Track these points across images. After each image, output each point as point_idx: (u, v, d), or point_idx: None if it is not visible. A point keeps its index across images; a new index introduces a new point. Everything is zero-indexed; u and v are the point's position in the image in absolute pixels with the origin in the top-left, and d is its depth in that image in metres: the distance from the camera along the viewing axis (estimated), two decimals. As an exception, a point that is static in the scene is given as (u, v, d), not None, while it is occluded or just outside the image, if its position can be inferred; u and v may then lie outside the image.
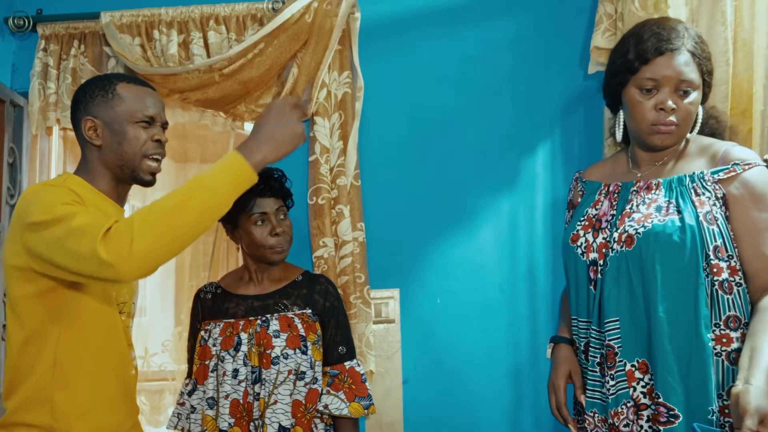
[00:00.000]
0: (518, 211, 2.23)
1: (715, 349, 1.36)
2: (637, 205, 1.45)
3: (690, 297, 1.35)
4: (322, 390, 1.84)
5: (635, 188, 1.50)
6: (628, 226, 1.42)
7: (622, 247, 1.42)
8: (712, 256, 1.36)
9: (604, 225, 1.49)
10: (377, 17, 2.26)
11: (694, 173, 1.43)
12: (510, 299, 2.21)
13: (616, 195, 1.53)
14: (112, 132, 1.49)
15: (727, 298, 1.36)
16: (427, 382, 2.19)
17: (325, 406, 1.82)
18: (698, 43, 1.48)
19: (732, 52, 1.90)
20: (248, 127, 2.38)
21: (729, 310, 1.37)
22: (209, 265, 2.36)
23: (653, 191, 1.46)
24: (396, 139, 2.26)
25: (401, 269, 2.23)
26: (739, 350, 1.33)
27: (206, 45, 2.20)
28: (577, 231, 1.53)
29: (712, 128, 1.57)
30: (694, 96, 1.46)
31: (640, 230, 1.40)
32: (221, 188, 1.26)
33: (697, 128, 1.50)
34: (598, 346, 1.48)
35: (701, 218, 1.37)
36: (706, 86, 1.50)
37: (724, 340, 1.36)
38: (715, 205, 1.39)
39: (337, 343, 1.88)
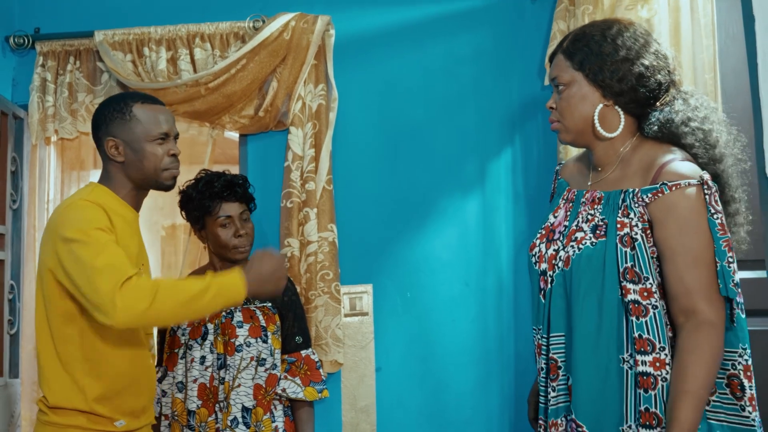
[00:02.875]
0: (482, 211, 2.41)
1: (627, 371, 1.36)
2: (582, 222, 1.45)
3: (605, 318, 1.37)
4: (280, 375, 2.03)
5: (584, 199, 1.49)
6: (570, 247, 1.43)
7: (563, 266, 1.44)
8: (621, 279, 1.36)
9: (556, 236, 1.49)
10: (350, 34, 2.45)
11: (628, 190, 1.40)
12: (475, 292, 2.39)
13: (570, 204, 1.53)
14: (133, 150, 1.68)
15: (638, 321, 1.35)
16: (398, 369, 2.38)
17: (283, 390, 2.03)
18: (574, 41, 1.46)
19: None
20: (228, 134, 2.56)
21: (636, 333, 1.35)
22: (181, 263, 2.58)
23: (596, 206, 1.45)
24: (368, 145, 2.44)
25: (374, 266, 2.41)
26: (646, 374, 1.33)
27: (193, 61, 2.39)
28: (535, 240, 1.55)
29: (668, 135, 1.44)
30: (567, 90, 1.46)
31: (575, 252, 1.41)
32: (221, 301, 1.56)
33: (598, 127, 1.44)
34: (544, 353, 1.49)
35: (617, 241, 1.37)
36: (596, 82, 1.43)
37: (632, 362, 1.36)
38: (636, 226, 1.37)
39: (294, 333, 2.09)
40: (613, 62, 1.41)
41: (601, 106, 1.44)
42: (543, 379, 1.48)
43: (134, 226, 1.74)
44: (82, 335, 1.61)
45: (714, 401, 1.34)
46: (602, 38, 1.43)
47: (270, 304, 2.07)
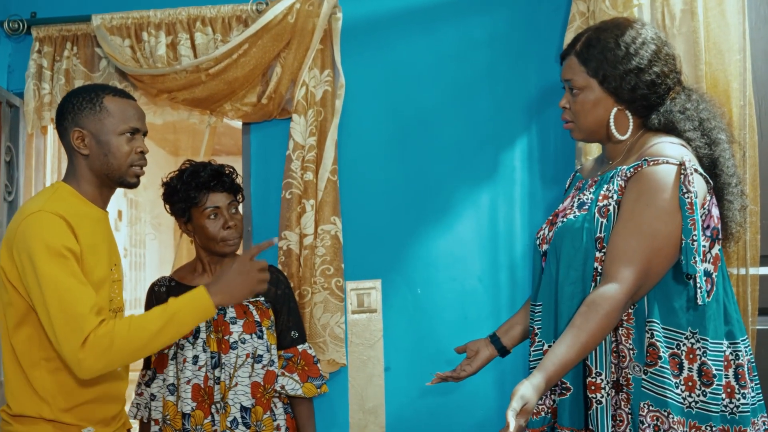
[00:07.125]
0: (496, 204, 2.30)
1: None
2: (577, 202, 1.54)
3: (585, 284, 1.44)
4: (278, 372, 1.95)
5: (587, 185, 1.56)
6: (560, 221, 1.53)
7: (550, 239, 1.54)
8: (596, 247, 1.43)
9: (558, 220, 1.57)
10: (358, 17, 2.33)
11: (618, 168, 1.47)
12: (489, 289, 2.29)
13: (576, 191, 1.60)
14: (99, 143, 1.61)
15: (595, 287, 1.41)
16: (408, 369, 2.28)
17: (282, 387, 1.95)
18: (587, 46, 1.50)
19: (704, 50, 1.96)
20: (227, 121, 2.46)
21: None
22: (174, 257, 2.49)
23: (592, 188, 1.52)
24: (376, 134, 2.33)
25: (383, 260, 2.31)
26: (618, 333, 1.42)
27: (193, 46, 2.28)
28: (542, 225, 1.62)
29: (667, 124, 1.51)
30: (582, 95, 1.51)
31: (559, 225, 1.51)
32: (190, 322, 1.54)
33: (613, 130, 1.50)
34: (531, 324, 1.59)
35: (596, 211, 1.44)
36: (609, 90, 1.48)
37: None
38: (612, 198, 1.43)
39: (289, 328, 2.00)
40: (626, 71, 1.47)
41: (615, 110, 1.50)
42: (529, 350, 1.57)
43: (103, 224, 1.68)
44: (41, 342, 1.55)
45: (652, 373, 1.37)
46: (616, 46, 1.48)
47: (263, 299, 1.98)
